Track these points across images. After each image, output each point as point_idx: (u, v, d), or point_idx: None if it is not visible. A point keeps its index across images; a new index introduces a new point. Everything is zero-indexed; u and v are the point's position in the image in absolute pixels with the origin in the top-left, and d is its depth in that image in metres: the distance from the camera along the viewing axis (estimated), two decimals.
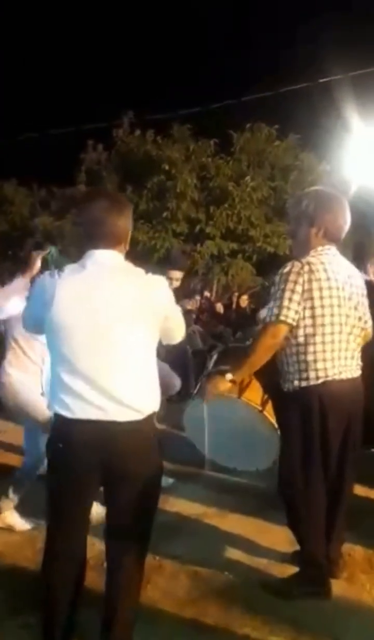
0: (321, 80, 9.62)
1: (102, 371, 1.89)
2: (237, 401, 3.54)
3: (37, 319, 1.98)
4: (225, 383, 2.68)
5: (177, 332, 2.15)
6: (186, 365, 5.84)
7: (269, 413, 3.59)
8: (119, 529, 2.04)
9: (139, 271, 2.01)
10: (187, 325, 2.85)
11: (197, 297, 11.29)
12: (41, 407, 2.93)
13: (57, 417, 1.96)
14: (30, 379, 3.22)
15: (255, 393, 3.64)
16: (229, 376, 2.65)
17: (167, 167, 11.19)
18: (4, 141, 13.92)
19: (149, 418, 1.97)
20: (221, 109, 13.00)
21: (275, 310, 2.45)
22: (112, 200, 2.03)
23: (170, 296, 2.05)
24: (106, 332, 1.88)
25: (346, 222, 2.59)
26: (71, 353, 1.90)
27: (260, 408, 3.62)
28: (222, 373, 2.70)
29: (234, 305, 10.28)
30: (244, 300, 10.00)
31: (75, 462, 1.94)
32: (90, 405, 1.89)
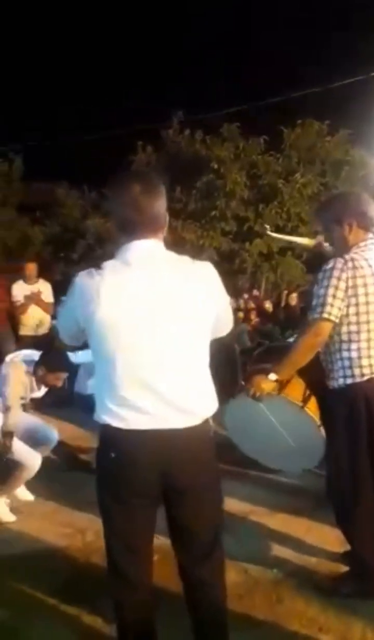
0: (372, 74, 9.40)
1: (157, 375, 1.72)
2: (279, 399, 3.48)
3: (78, 325, 1.81)
4: (268, 382, 2.66)
5: (227, 323, 1.95)
6: (234, 364, 5.85)
7: (312, 410, 3.54)
8: (190, 544, 1.89)
9: (185, 259, 1.82)
10: (236, 324, 2.88)
11: (246, 296, 11.26)
12: None
13: (108, 429, 1.77)
14: None
15: (296, 390, 3.59)
16: (272, 376, 2.63)
17: (216, 166, 11.21)
18: (55, 145, 14.29)
19: (207, 421, 1.83)
20: (271, 106, 12.92)
21: (318, 308, 2.43)
22: (145, 181, 1.80)
23: (220, 283, 1.86)
24: (160, 333, 1.72)
25: (370, 208, 2.54)
26: (122, 358, 1.72)
27: (301, 404, 3.56)
28: (265, 372, 2.68)
29: (283, 304, 10.21)
30: (294, 299, 9.91)
31: (134, 475, 1.77)
32: (146, 414, 1.72)
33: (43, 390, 3.82)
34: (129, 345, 1.72)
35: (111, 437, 1.78)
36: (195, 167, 11.67)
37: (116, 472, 1.79)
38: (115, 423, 1.75)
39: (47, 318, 6.72)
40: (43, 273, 7.14)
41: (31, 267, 6.79)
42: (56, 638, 2.34)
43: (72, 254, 13.24)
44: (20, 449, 3.48)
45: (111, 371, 1.74)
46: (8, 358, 3.83)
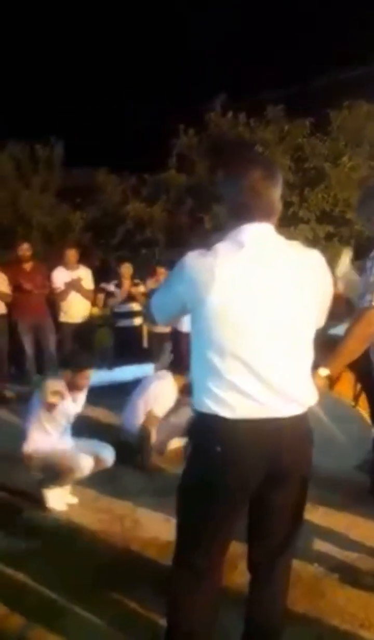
0: None
1: (267, 362, 1.66)
2: (328, 396, 3.39)
3: (183, 306, 1.74)
4: (320, 378, 2.48)
5: (325, 315, 1.88)
6: None
7: (363, 407, 3.43)
8: (269, 536, 1.84)
9: (296, 245, 1.77)
10: None
11: None
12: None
13: (212, 420, 1.68)
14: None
15: (347, 386, 3.49)
16: (323, 371, 2.47)
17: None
18: (96, 129, 14.28)
19: (307, 410, 1.78)
20: (317, 87, 12.56)
21: (368, 297, 2.32)
22: (269, 168, 1.77)
23: (328, 272, 1.80)
24: (271, 318, 1.66)
25: None
26: (233, 343, 1.65)
27: (353, 403, 3.46)
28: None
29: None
30: (340, 287, 9.65)
31: (243, 468, 1.68)
32: (255, 401, 1.65)
33: (81, 401, 3.74)
34: (241, 330, 1.65)
35: (215, 429, 1.68)
36: None
37: (221, 467, 1.68)
38: (222, 412, 1.65)
39: (87, 305, 6.74)
40: (82, 259, 7.14)
41: (72, 254, 6.77)
42: (96, 624, 2.36)
43: (111, 239, 13.26)
44: (62, 454, 3.51)
45: (219, 356, 1.66)
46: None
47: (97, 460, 3.57)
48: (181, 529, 1.83)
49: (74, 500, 3.58)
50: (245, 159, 1.84)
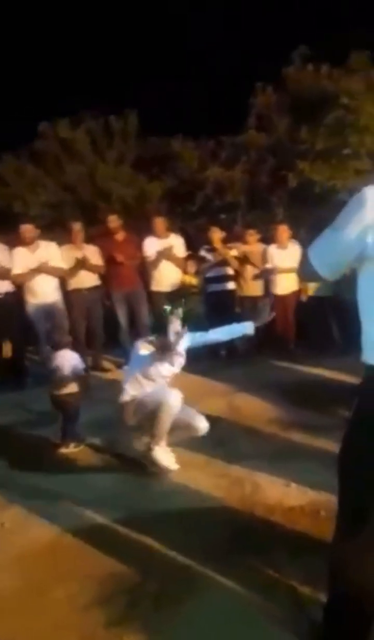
0: None
1: None
2: None
3: (359, 251, 1.58)
4: None
5: None
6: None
7: None
8: None
9: None
10: None
11: None
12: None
13: None
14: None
15: None
16: None
17: (346, 101, 10.33)
18: (167, 97, 14.00)
19: None
20: None
21: None
22: None
23: None
24: None
25: None
26: None
27: None
28: None
29: None
30: None
31: None
32: None
33: (178, 363, 3.69)
34: None
35: None
36: (322, 104, 10.84)
37: None
38: None
39: (178, 273, 6.66)
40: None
41: (160, 222, 6.69)
42: (232, 588, 2.31)
43: (190, 207, 13.08)
44: (151, 395, 3.49)
45: None
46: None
47: (190, 427, 3.54)
48: (346, 493, 1.71)
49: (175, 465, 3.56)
50: None
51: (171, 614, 2.19)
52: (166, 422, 3.46)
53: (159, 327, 3.59)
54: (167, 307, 3.51)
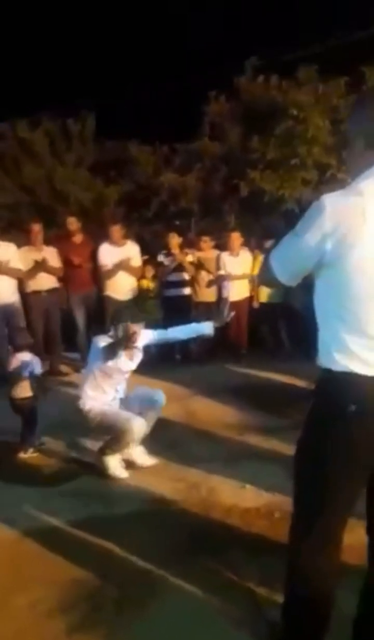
0: None
1: None
2: None
3: (318, 259, 1.58)
4: None
5: None
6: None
7: None
8: None
9: None
10: None
11: None
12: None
13: (345, 377, 1.59)
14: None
15: None
16: None
17: (295, 112, 10.63)
18: (126, 100, 14.03)
19: None
20: (350, 44, 12.02)
21: None
22: None
23: None
24: None
25: None
26: (369, 296, 1.54)
27: None
28: None
29: None
30: None
31: None
32: None
33: (136, 358, 3.77)
34: None
35: (349, 386, 1.57)
36: (272, 115, 11.12)
37: (357, 427, 1.57)
38: (358, 368, 1.56)
39: (133, 281, 6.61)
40: None
41: (117, 230, 6.59)
42: (191, 591, 2.37)
43: (146, 212, 13.13)
44: (116, 416, 3.56)
45: (361, 309, 1.56)
46: None
47: (150, 409, 3.68)
48: (302, 493, 1.75)
49: (151, 461, 3.67)
50: None
51: (133, 617, 2.23)
52: (125, 445, 3.55)
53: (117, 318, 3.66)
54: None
